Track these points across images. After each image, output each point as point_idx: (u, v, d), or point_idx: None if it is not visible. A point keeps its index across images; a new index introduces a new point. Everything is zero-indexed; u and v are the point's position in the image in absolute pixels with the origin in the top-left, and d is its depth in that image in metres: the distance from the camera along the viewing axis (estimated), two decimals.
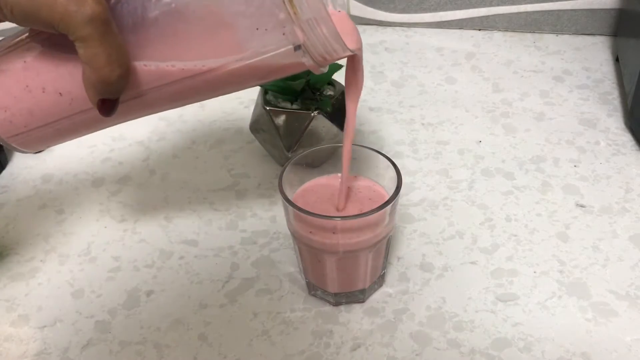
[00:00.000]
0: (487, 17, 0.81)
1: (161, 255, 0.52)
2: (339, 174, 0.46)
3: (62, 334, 0.46)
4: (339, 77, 0.61)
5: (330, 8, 0.39)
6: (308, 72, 0.55)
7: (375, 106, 0.69)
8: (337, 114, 0.57)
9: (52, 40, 0.35)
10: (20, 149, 0.40)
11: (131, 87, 0.35)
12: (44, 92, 0.36)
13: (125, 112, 0.37)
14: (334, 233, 0.41)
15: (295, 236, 0.44)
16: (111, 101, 0.34)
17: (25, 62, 0.36)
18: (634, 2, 0.69)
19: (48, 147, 0.41)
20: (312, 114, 0.55)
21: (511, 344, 0.43)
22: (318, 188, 0.46)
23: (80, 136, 0.40)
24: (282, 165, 0.54)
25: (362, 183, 0.47)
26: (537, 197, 0.56)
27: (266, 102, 0.56)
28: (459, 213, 0.54)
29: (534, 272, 0.49)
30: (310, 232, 0.42)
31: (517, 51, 0.78)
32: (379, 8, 0.83)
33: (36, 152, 0.40)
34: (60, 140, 0.40)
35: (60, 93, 0.36)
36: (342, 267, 0.44)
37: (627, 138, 0.62)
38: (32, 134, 0.38)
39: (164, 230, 0.54)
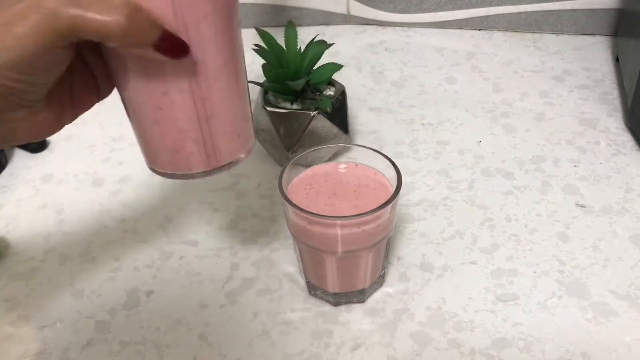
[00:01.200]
0: (487, 17, 0.81)
1: (161, 255, 0.52)
2: (334, 162, 0.47)
3: (62, 334, 0.46)
4: (339, 77, 0.61)
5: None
6: (308, 72, 0.56)
7: (375, 106, 0.69)
8: (337, 114, 0.57)
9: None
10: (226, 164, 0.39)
11: None
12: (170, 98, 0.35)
13: None
14: (333, 233, 0.41)
15: (295, 236, 0.44)
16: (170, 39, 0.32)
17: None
18: (634, 2, 0.69)
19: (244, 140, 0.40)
20: (312, 114, 0.55)
21: (511, 344, 0.43)
22: (313, 177, 0.46)
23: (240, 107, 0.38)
24: (282, 165, 0.54)
25: (364, 172, 0.46)
26: (537, 197, 0.56)
27: (266, 102, 0.56)
28: (459, 213, 0.54)
29: (534, 272, 0.49)
30: (309, 224, 0.42)
31: (517, 51, 0.78)
32: (379, 8, 0.83)
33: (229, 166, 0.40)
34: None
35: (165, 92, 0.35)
36: (342, 267, 0.44)
37: (627, 138, 0.62)
38: (211, 144, 0.37)
39: (164, 230, 0.54)
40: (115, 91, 0.37)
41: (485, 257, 0.50)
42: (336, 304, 0.47)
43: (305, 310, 0.47)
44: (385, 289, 0.48)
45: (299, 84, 0.53)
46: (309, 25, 0.85)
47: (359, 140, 0.63)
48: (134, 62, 0.34)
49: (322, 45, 0.56)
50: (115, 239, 0.54)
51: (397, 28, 0.84)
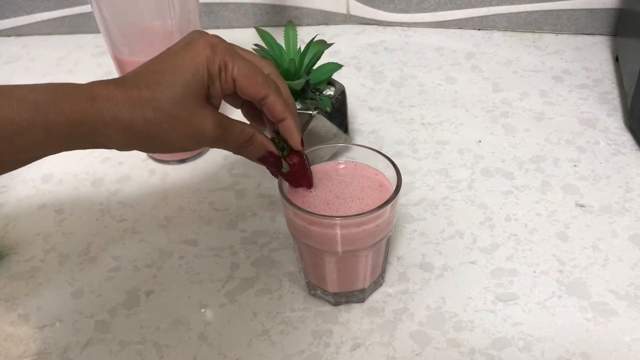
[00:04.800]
0: (486, 16, 0.81)
1: (161, 255, 0.52)
2: (334, 162, 0.47)
3: (62, 333, 0.46)
4: (339, 76, 0.61)
5: None
6: (308, 72, 0.56)
7: (375, 106, 0.69)
8: (337, 114, 0.57)
9: None
10: None
11: None
12: None
13: None
14: (333, 233, 0.41)
15: (295, 236, 0.44)
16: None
17: None
18: (634, 2, 0.69)
19: None
20: (312, 114, 0.54)
21: (511, 344, 0.43)
22: (313, 177, 0.46)
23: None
24: None
25: (364, 172, 0.46)
26: (537, 197, 0.56)
27: None
28: (459, 213, 0.54)
29: (534, 272, 0.49)
30: (309, 224, 0.42)
31: (517, 51, 0.78)
32: (379, 8, 0.83)
33: None
34: None
35: None
36: (342, 267, 0.44)
37: (626, 138, 0.62)
38: None
39: (164, 230, 0.54)
40: None
41: (485, 257, 0.50)
42: (336, 303, 0.47)
43: (305, 310, 0.47)
44: (385, 289, 0.48)
45: (299, 83, 0.53)
46: (308, 25, 0.85)
47: (358, 140, 0.63)
48: None
49: (321, 45, 0.56)
50: (115, 239, 0.54)
51: (397, 28, 0.84)
